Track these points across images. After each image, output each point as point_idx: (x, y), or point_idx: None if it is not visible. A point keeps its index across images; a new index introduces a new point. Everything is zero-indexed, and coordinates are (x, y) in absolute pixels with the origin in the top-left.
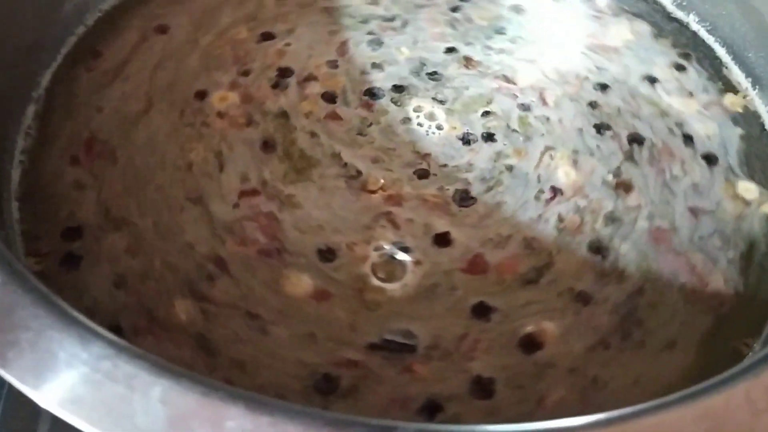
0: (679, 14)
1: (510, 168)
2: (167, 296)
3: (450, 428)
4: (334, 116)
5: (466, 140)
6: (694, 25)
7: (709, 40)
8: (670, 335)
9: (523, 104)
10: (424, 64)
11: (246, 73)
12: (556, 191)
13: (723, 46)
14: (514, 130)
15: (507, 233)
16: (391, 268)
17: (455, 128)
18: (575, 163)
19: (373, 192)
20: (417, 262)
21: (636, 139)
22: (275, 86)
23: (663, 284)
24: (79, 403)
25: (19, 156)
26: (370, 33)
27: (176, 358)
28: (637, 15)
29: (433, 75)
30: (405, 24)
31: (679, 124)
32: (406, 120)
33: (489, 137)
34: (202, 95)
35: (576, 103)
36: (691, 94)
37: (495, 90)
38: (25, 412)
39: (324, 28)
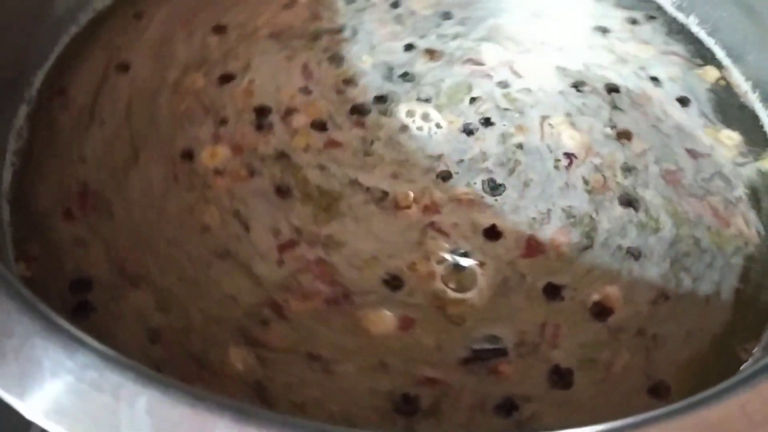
0: (679, 16)
1: (520, 146)
2: (218, 345)
3: None
4: (333, 143)
5: (468, 131)
6: (694, 27)
7: (710, 42)
8: (714, 279)
9: (500, 82)
10: (392, 68)
11: (223, 122)
12: (570, 156)
13: (723, 49)
14: (506, 109)
15: (545, 208)
16: (460, 277)
17: (453, 122)
18: (573, 124)
19: (408, 207)
20: (481, 264)
21: (613, 89)
22: (259, 128)
23: (693, 228)
24: (63, 414)
25: (10, 157)
26: (325, 50)
27: None
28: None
29: (405, 76)
30: (355, 32)
31: (642, 68)
32: (404, 128)
33: (487, 122)
34: (188, 155)
35: (545, 68)
36: (646, 42)
37: (469, 75)
38: (16, 420)
39: (278, 56)
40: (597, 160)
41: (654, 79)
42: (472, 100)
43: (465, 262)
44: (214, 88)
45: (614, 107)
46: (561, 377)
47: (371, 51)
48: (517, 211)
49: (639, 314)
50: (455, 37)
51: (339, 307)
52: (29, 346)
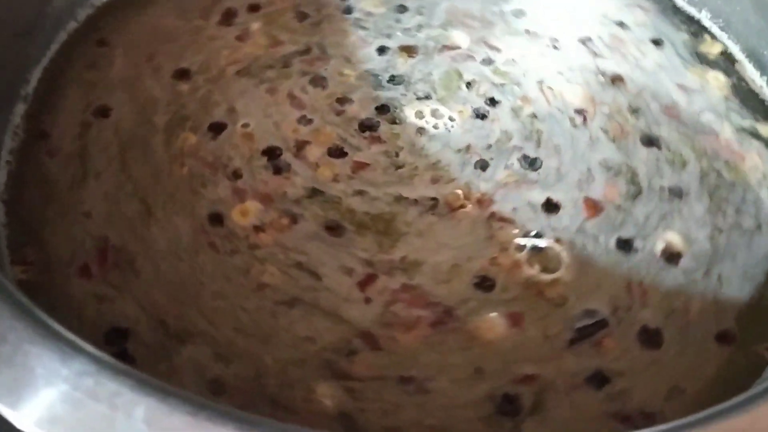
0: (691, 10)
1: (534, 115)
2: (299, 384)
3: None
4: (360, 165)
5: (480, 115)
6: (706, 22)
7: (722, 37)
8: (751, 213)
9: (484, 60)
10: (377, 75)
11: (237, 175)
12: (581, 112)
13: (737, 44)
14: (502, 84)
15: (584, 167)
16: (542, 258)
17: (462, 111)
18: (569, 81)
19: (463, 206)
20: (557, 239)
21: (585, 39)
22: (277, 171)
23: (714, 162)
24: (58, 423)
25: (6, 156)
26: (302, 74)
27: None
28: None
29: (393, 80)
30: (322, 48)
31: (604, 15)
32: (421, 130)
33: (492, 102)
34: (217, 219)
35: (516, 36)
36: None
37: (452, 61)
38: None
39: (258, 92)
40: (605, 109)
41: (620, 24)
42: (468, 84)
43: (541, 242)
44: (209, 142)
45: (595, 55)
46: (651, 337)
47: (348, 63)
48: (561, 179)
49: (703, 253)
50: (419, 28)
51: (446, 326)
52: (22, 353)
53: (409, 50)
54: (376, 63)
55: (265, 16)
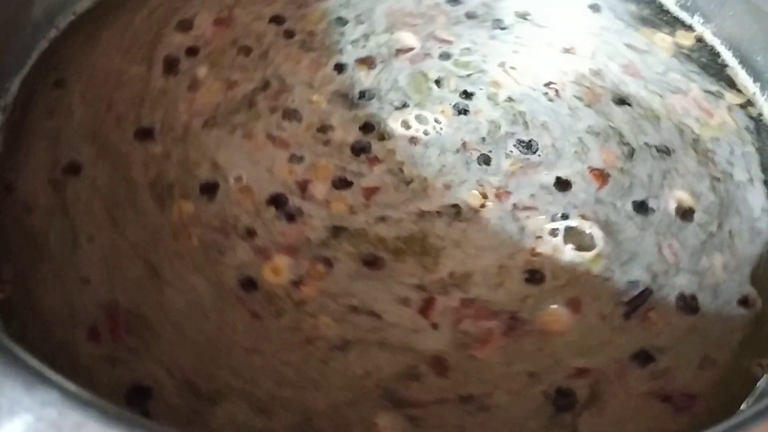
0: (683, 15)
1: (510, 99)
2: (360, 421)
3: None
4: (370, 191)
5: (462, 111)
6: (699, 27)
7: (715, 42)
8: (743, 166)
9: (441, 55)
10: (345, 94)
11: (250, 234)
12: (550, 85)
13: (729, 49)
14: (468, 74)
15: (576, 138)
16: (577, 237)
17: (444, 111)
18: (526, 57)
19: (484, 206)
20: (583, 216)
21: (522, 15)
22: (291, 218)
23: (685, 119)
24: None
25: None
26: (272, 110)
27: None
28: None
29: (364, 95)
30: (281, 79)
31: None
32: (413, 140)
33: (467, 95)
34: (249, 284)
35: (459, 24)
36: None
37: (413, 64)
38: None
39: (235, 140)
40: (570, 77)
41: None
42: (437, 83)
43: (571, 222)
44: (207, 205)
45: (539, 27)
46: (688, 303)
47: (312, 89)
48: (560, 154)
49: (711, 205)
50: (366, 37)
51: (517, 330)
52: None
53: (366, 62)
54: (339, 82)
55: (208, 58)
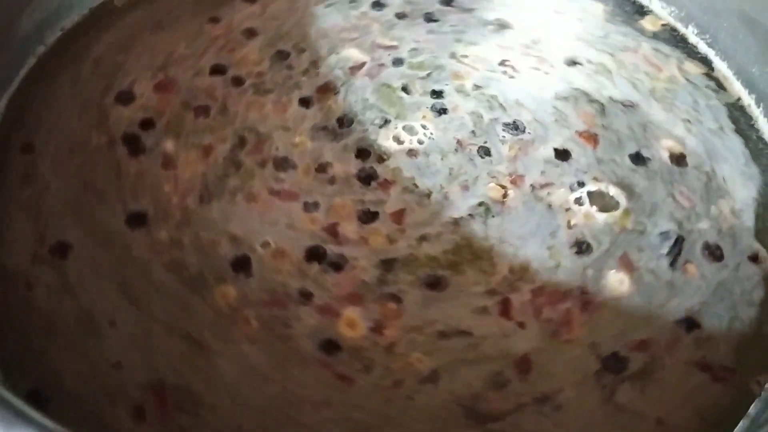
0: (677, 25)
1: (477, 86)
2: None
3: None
4: (398, 215)
5: (441, 111)
6: (693, 38)
7: (710, 53)
8: (712, 116)
9: (394, 61)
10: (324, 126)
11: (305, 296)
12: (504, 63)
13: (724, 60)
14: (428, 74)
15: (551, 107)
16: (599, 201)
17: (425, 116)
18: (470, 43)
19: (506, 195)
20: (596, 179)
21: (444, 1)
22: (337, 268)
23: (635, 74)
24: None
25: None
26: (260, 164)
27: None
28: None
29: (342, 123)
30: (253, 130)
31: None
32: (411, 152)
33: (437, 94)
34: (331, 346)
35: (397, 26)
36: None
37: (373, 79)
38: None
39: (240, 205)
40: (516, 50)
41: None
42: (404, 89)
43: (589, 187)
44: (247, 282)
45: (466, 10)
46: (713, 252)
47: (289, 132)
48: (545, 127)
49: (696, 147)
50: (314, 64)
51: (592, 303)
52: None
53: (327, 89)
54: (312, 116)
55: (167, 128)
